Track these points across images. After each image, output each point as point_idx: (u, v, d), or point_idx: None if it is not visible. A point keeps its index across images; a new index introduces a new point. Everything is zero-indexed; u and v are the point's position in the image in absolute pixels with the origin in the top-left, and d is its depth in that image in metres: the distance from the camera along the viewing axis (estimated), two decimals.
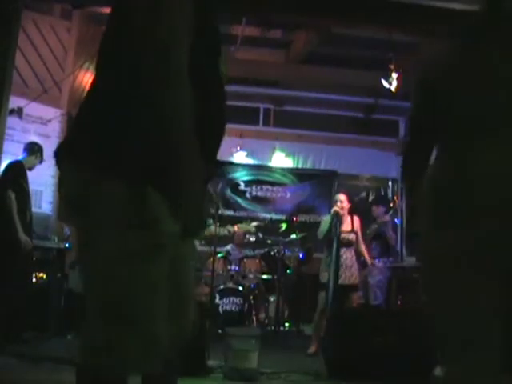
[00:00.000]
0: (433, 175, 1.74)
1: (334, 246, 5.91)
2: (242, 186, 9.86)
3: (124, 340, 1.47)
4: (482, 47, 1.72)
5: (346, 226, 6.17)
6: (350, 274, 5.97)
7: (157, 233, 1.46)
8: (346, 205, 6.22)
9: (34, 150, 5.85)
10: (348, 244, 6.12)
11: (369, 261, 6.51)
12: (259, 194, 9.91)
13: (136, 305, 1.49)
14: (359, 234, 6.31)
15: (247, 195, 9.89)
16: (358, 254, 6.28)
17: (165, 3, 1.42)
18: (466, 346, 1.60)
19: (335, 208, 6.15)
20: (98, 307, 1.51)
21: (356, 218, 6.30)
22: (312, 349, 5.88)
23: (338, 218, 6.07)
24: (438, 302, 1.70)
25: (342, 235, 6.05)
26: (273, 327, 7.05)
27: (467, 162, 1.64)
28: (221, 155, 1.83)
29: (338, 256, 5.89)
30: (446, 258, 1.63)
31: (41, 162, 5.96)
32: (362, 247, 6.35)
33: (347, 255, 6.05)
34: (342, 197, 6.27)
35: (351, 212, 6.30)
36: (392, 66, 6.71)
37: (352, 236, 6.16)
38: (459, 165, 1.65)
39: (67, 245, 6.33)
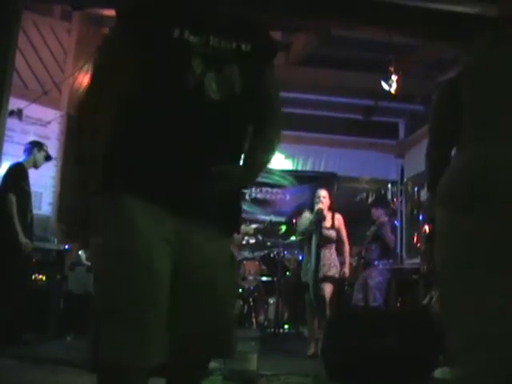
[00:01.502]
0: (459, 166, 1.74)
1: (314, 242, 5.81)
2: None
3: (122, 334, 1.57)
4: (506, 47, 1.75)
5: (327, 222, 6.03)
6: (325, 269, 5.87)
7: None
8: (327, 201, 6.08)
9: (31, 148, 5.76)
10: (327, 240, 5.98)
11: (347, 261, 6.17)
12: (258, 196, 9.89)
13: (131, 299, 1.58)
14: (343, 232, 6.16)
15: (246, 197, 9.86)
16: (340, 253, 6.13)
17: None
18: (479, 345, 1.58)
19: (320, 206, 5.98)
20: (100, 305, 1.65)
21: (338, 216, 6.17)
22: (311, 350, 5.87)
23: (321, 216, 5.93)
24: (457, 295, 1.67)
25: (322, 231, 5.93)
26: (272, 329, 7.04)
27: (492, 153, 1.66)
28: None
29: (319, 252, 5.78)
30: (469, 247, 1.63)
31: (47, 158, 5.91)
32: (346, 247, 6.17)
33: (325, 253, 5.91)
34: (323, 192, 6.11)
35: (332, 209, 6.17)
36: (392, 68, 6.71)
37: (331, 232, 6.04)
38: (485, 156, 1.67)
39: (67, 246, 6.32)
